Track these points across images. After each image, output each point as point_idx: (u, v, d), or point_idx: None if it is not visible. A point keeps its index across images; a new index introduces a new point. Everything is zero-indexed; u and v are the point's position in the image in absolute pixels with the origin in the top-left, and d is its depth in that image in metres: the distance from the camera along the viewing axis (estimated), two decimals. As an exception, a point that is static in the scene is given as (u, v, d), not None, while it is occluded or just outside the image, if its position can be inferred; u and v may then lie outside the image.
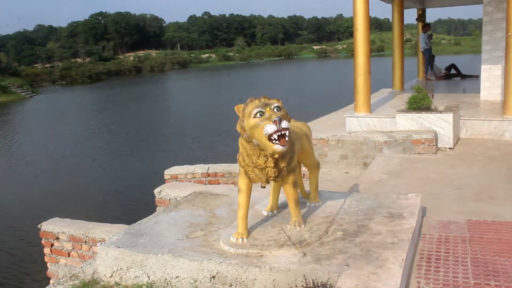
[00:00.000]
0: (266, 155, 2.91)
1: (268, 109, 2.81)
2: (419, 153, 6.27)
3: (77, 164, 14.86)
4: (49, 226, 5.80)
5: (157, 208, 5.08)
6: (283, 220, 3.44)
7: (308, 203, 3.76)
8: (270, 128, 2.73)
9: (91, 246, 5.59)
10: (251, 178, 3.08)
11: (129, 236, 3.55)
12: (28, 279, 7.13)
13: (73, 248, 5.74)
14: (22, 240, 8.58)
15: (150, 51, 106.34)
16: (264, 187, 3.94)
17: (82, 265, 3.90)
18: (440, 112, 6.60)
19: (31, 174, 14.09)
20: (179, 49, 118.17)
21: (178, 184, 5.05)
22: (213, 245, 3.23)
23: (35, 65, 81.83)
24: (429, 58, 13.17)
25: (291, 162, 3.07)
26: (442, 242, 3.31)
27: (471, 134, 7.06)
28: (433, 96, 7.05)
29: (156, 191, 5.03)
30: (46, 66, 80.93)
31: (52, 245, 5.88)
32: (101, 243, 3.46)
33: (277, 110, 2.85)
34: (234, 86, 39.97)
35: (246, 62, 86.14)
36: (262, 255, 2.95)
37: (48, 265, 6.06)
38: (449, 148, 6.49)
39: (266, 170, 2.98)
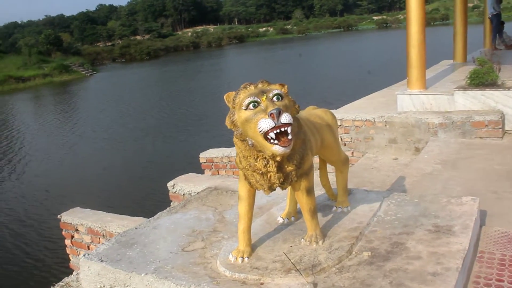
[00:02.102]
0: (266, 157, 2.25)
1: (264, 98, 2.13)
2: (481, 138, 5.35)
3: (113, 147, 14.61)
4: (68, 217, 5.45)
5: (171, 204, 4.55)
6: (299, 232, 2.77)
7: (334, 207, 3.06)
8: (265, 123, 2.05)
9: (109, 240, 5.17)
10: (251, 183, 2.43)
11: (118, 245, 3.02)
12: (55, 269, 6.91)
13: (92, 241, 5.36)
14: (48, 229, 8.38)
15: (208, 26, 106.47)
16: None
17: (77, 272, 3.45)
18: (509, 88, 5.61)
19: (65, 157, 14.02)
20: (236, 23, 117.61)
21: (193, 177, 4.49)
22: (209, 263, 2.62)
23: (97, 44, 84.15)
24: (497, 25, 11.75)
25: (302, 163, 2.38)
26: (506, 266, 2.53)
27: (547, 113, 6.01)
28: (499, 69, 6.02)
29: (169, 184, 4.49)
30: (107, 44, 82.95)
31: (72, 237, 5.54)
32: (84, 255, 2.96)
33: (277, 99, 2.16)
34: (290, 59, 38.94)
35: (304, 34, 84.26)
36: (262, 283, 2.31)
37: (70, 257, 5.75)
38: (519, 131, 5.51)
39: (268, 175, 2.31)
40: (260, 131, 2.07)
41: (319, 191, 3.38)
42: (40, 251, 7.52)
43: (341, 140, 6.35)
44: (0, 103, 30.45)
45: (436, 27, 60.66)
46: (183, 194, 4.36)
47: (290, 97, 2.28)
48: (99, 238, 5.24)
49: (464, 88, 5.89)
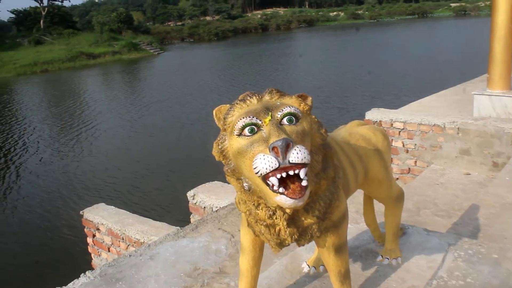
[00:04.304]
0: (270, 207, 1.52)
1: (267, 119, 1.39)
2: None
3: (152, 136, 13.85)
4: (90, 214, 4.99)
5: (191, 216, 3.92)
6: (326, 292, 2.03)
7: (379, 256, 2.28)
8: (264, 162, 1.32)
9: (128, 246, 4.66)
10: (256, 233, 1.71)
11: (101, 280, 2.41)
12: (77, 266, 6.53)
13: (112, 244, 4.88)
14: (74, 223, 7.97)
15: (278, 9, 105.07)
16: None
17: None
18: None
19: (103, 144, 13.51)
20: (307, 7, 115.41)
21: (217, 187, 3.81)
22: (199, 328, 1.96)
23: (168, 23, 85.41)
24: None
25: (329, 213, 1.63)
26: None
27: None
28: None
29: (189, 194, 3.85)
30: (177, 24, 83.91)
31: (94, 235, 5.08)
32: (57, 290, 2.39)
33: (289, 121, 1.42)
34: (357, 46, 37.33)
35: (375, 20, 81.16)
36: None
37: (92, 256, 5.32)
38: None
39: (276, 228, 1.58)
40: (257, 173, 1.34)
41: (362, 224, 2.61)
42: (66, 243, 7.19)
43: (403, 146, 5.47)
44: (63, 79, 31.24)
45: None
46: (204, 208, 3.71)
47: (313, 116, 1.53)
48: (119, 242, 4.75)
49: (561, 93, 4.82)
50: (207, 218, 3.10)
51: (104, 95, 22.68)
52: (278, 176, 1.32)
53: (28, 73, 34.31)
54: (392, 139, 5.53)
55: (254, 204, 1.53)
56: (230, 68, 28.63)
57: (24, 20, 52.14)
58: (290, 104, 1.46)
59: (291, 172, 1.32)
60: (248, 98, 1.49)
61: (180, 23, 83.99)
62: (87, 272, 2.52)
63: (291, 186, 1.35)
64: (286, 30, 71.45)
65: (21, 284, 6.38)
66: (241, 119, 1.41)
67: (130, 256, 2.67)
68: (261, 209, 1.53)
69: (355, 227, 2.69)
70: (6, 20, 63.36)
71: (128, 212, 4.95)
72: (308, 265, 2.26)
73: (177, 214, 6.74)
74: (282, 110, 1.42)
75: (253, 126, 1.39)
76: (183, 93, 20.63)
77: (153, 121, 15.63)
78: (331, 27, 72.77)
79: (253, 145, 1.36)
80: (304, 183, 1.34)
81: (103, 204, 5.23)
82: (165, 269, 2.48)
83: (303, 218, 1.56)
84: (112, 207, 5.11)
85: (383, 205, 2.25)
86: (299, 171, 1.32)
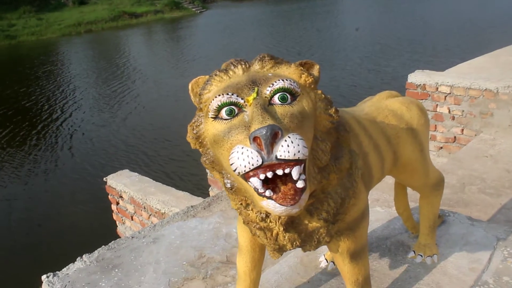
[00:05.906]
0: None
1: (251, 97, 1.04)
2: None
3: (184, 102, 13.37)
4: (113, 181, 4.82)
5: (209, 189, 3.64)
6: (343, 296, 1.72)
7: (412, 252, 1.93)
8: (242, 158, 0.97)
9: (150, 215, 4.48)
10: (252, 233, 1.39)
11: (96, 266, 2.19)
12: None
13: (135, 212, 4.72)
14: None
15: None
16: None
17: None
18: None
19: (134, 108, 13.02)
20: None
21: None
22: (193, 333, 1.69)
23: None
24: None
25: (341, 213, 1.28)
26: None
27: None
28: None
29: (207, 166, 3.56)
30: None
31: (117, 203, 4.94)
32: (47, 276, 2.17)
33: (281, 99, 1.06)
34: (404, 3, 35.48)
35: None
36: None
37: (117, 223, 5.19)
38: None
39: (272, 232, 1.25)
40: (235, 171, 1.00)
41: (392, 207, 2.25)
42: (93, 209, 7.10)
43: (449, 112, 4.96)
44: (105, 39, 31.24)
45: None
46: (222, 181, 3.42)
47: (319, 91, 1.16)
48: (141, 211, 4.57)
49: None
50: (221, 195, 2.81)
51: (142, 56, 22.41)
52: (262, 176, 0.98)
53: (72, 33, 34.55)
54: (437, 104, 5.03)
55: (241, 203, 1.21)
56: (271, 27, 27.77)
57: (68, -21, 52.48)
58: (286, 76, 1.10)
59: (279, 172, 0.98)
60: (232, 67, 1.13)
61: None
62: (84, 256, 2.30)
63: (282, 188, 1.01)
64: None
65: (46, 250, 6.39)
66: (217, 96, 1.06)
67: (132, 238, 2.43)
68: (251, 209, 1.20)
69: (387, 211, 2.34)
70: (52, -20, 63.98)
71: (151, 180, 4.75)
72: (326, 259, 1.94)
73: (200, 184, 6.52)
74: (273, 84, 1.06)
75: (232, 107, 1.04)
76: (222, 53, 20.08)
77: (185, 83, 15.23)
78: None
79: (231, 132, 1.02)
80: (300, 184, 1.00)
81: (127, 170, 5.05)
82: (167, 255, 2.22)
83: (306, 222, 1.23)
84: (136, 174, 4.92)
85: (418, 192, 1.88)
86: (290, 170, 0.98)
